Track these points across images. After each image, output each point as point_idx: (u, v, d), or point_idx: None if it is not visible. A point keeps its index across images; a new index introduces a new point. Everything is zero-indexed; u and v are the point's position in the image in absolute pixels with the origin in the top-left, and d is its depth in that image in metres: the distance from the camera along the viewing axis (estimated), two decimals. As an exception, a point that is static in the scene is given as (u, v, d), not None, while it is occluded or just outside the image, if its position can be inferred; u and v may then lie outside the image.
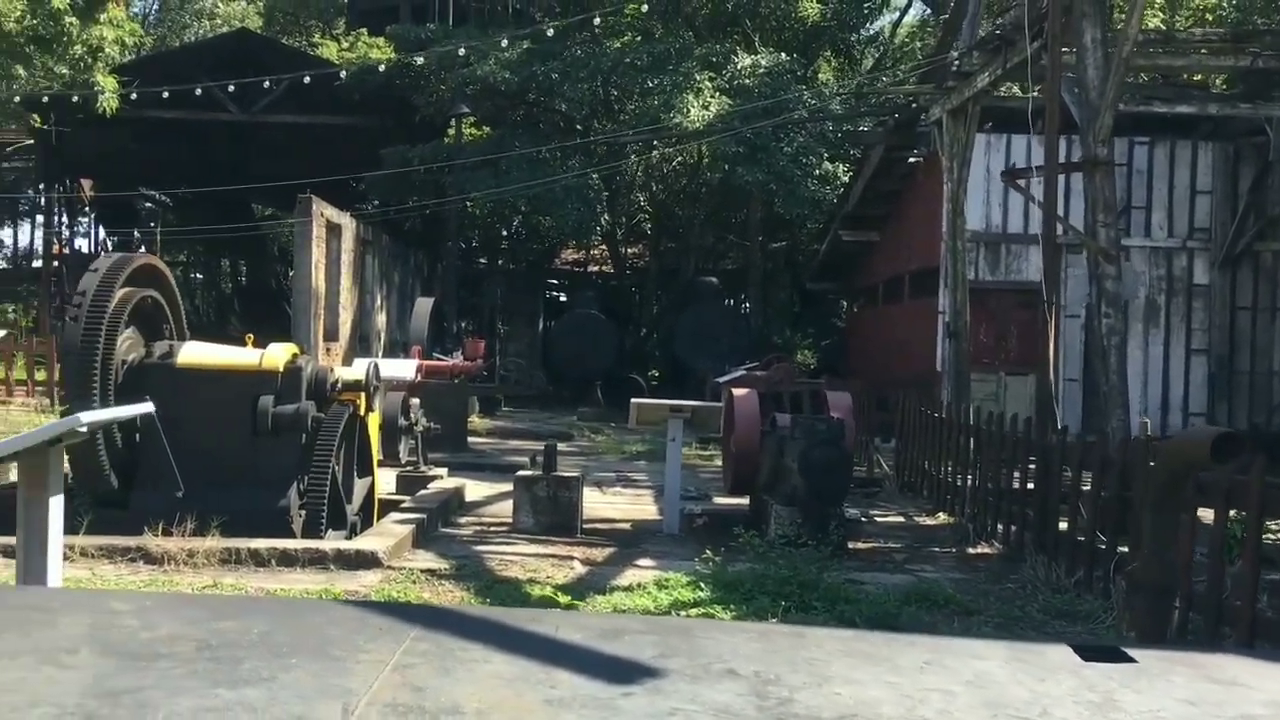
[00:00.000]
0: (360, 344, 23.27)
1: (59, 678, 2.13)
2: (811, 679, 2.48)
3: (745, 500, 10.64)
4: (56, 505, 4.29)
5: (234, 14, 36.21)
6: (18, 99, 20.41)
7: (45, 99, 20.78)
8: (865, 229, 24.16)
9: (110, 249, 36.40)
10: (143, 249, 35.79)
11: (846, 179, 24.94)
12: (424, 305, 20.03)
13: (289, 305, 40.57)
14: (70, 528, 6.48)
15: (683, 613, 6.55)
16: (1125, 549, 7.39)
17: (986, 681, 2.63)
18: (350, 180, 25.50)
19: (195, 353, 8.75)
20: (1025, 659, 2.84)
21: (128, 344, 8.62)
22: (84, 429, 4.18)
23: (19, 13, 17.64)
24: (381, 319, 25.83)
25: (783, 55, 25.47)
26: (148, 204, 39.22)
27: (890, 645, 2.87)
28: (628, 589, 7.31)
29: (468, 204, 26.53)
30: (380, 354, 23.75)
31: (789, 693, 2.38)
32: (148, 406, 5.15)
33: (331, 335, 20.92)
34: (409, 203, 26.16)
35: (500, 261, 34.92)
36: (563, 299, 35.06)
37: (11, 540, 7.28)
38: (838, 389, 12.86)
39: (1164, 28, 22.96)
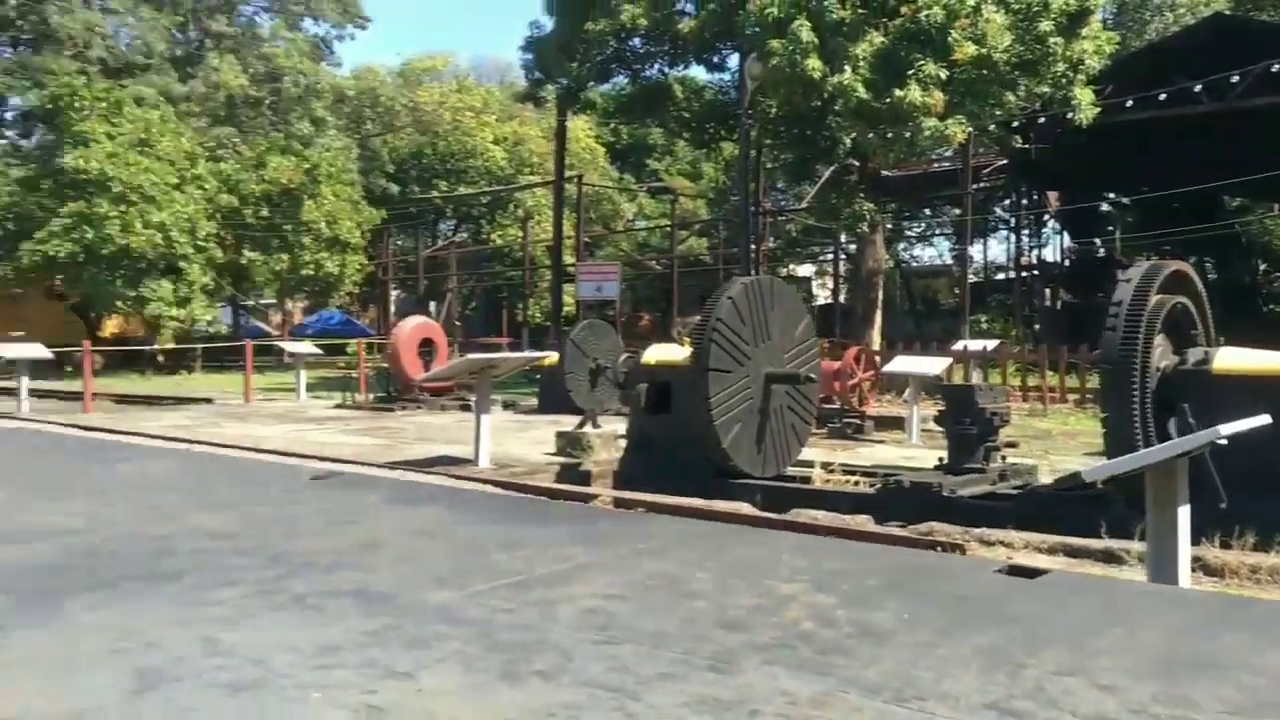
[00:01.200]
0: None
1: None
2: None
3: None
4: (1184, 514, 4.35)
5: (1197, 1, 34.59)
6: (1014, 124, 21.95)
7: (1041, 120, 22.02)
8: None
9: (1074, 258, 37.55)
10: (1102, 254, 36.23)
11: None
12: None
13: (1262, 302, 37.63)
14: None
15: None
16: None
17: None
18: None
19: (1233, 359, 8.42)
20: None
21: (1159, 351, 8.63)
22: (1223, 441, 4.18)
23: (1008, 41, 18.92)
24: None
25: None
26: (1106, 208, 39.50)
27: None
28: None
29: None
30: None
31: None
32: (1264, 419, 4.99)
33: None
34: None
35: None
36: None
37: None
38: None
39: None
